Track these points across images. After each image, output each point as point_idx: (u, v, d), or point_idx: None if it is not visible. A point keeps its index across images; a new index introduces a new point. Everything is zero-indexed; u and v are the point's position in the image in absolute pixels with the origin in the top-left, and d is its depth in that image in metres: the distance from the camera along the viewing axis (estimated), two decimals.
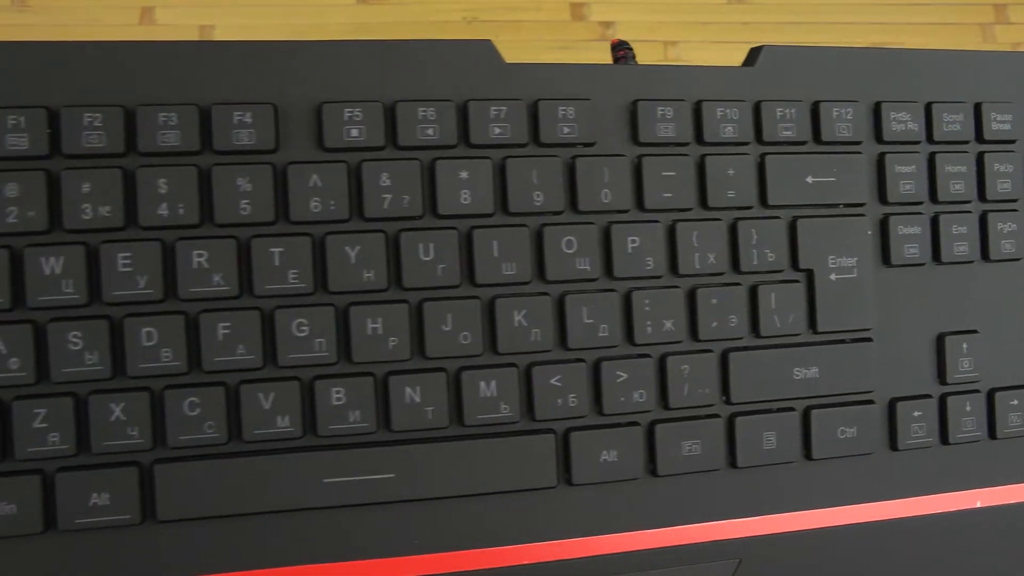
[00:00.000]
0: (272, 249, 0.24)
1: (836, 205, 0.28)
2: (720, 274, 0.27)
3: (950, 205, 0.29)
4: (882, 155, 0.28)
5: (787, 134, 0.27)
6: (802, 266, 0.27)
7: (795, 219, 0.27)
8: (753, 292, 0.27)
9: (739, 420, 0.26)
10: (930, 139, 0.29)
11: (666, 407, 0.26)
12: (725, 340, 0.27)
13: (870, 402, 0.28)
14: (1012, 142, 0.30)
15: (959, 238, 0.29)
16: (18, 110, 0.23)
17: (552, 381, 0.25)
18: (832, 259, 0.28)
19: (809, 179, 0.28)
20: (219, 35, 0.38)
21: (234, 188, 0.24)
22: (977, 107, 0.29)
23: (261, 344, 0.24)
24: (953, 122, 0.29)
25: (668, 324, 0.26)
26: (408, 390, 0.24)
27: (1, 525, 0.23)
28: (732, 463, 0.27)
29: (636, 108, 0.26)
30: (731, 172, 0.27)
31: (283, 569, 0.24)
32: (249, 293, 0.24)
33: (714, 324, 0.26)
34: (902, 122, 0.29)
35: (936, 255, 0.29)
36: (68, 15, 0.38)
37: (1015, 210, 0.29)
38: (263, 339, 0.24)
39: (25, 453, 0.23)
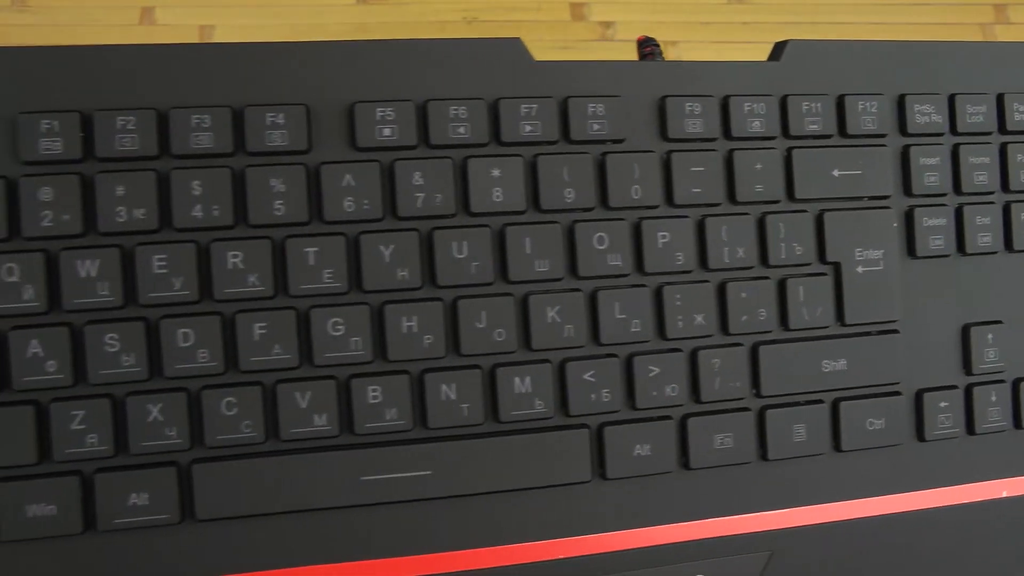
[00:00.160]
0: (307, 249, 0.24)
1: (862, 198, 0.28)
2: (749, 268, 0.27)
3: (974, 196, 0.29)
4: (906, 147, 0.29)
5: (813, 128, 0.28)
6: (829, 259, 0.28)
7: (822, 212, 0.28)
8: (782, 285, 0.27)
9: (769, 413, 0.27)
10: (953, 131, 0.29)
11: (698, 401, 0.26)
12: (755, 334, 0.27)
13: (897, 393, 0.28)
14: None
15: (983, 229, 0.29)
16: (51, 115, 0.23)
17: (585, 376, 0.25)
18: (859, 251, 0.28)
19: (835, 172, 0.28)
20: (219, 35, 0.38)
21: (268, 189, 0.24)
22: (1000, 98, 0.29)
23: (297, 344, 0.24)
24: (976, 113, 0.29)
25: (699, 318, 0.26)
26: (443, 387, 0.24)
27: (41, 526, 0.23)
28: (763, 456, 0.27)
29: (664, 104, 0.26)
30: (759, 166, 0.27)
31: (322, 566, 0.24)
32: (284, 293, 0.24)
33: (744, 318, 0.27)
34: (926, 114, 0.29)
35: (960, 246, 0.29)
36: (67, 15, 0.38)
37: None
38: (299, 339, 0.24)
39: (63, 455, 0.23)
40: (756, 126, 0.27)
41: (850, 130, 0.28)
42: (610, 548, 0.26)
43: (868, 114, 0.28)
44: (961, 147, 0.29)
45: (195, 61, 0.24)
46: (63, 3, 0.38)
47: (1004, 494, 0.29)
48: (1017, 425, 0.29)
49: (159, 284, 0.24)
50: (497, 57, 0.25)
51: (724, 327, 0.26)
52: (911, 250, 0.28)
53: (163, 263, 0.24)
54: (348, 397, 0.24)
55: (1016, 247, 0.29)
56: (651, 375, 0.26)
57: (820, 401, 0.27)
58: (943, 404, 0.28)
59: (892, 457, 0.28)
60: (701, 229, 0.26)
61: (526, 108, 0.25)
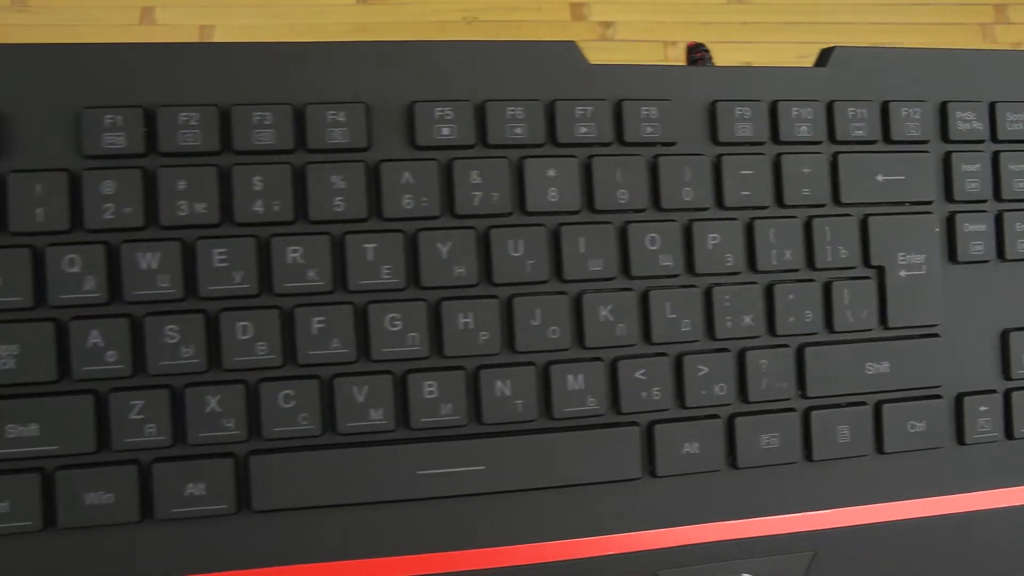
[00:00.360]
0: (366, 245, 0.24)
1: (904, 203, 0.29)
2: (796, 270, 0.27)
3: (1013, 203, 0.30)
4: (948, 154, 0.29)
5: (859, 133, 0.28)
6: (873, 263, 0.28)
7: (866, 216, 0.28)
8: (827, 288, 0.27)
9: (815, 414, 0.27)
10: (994, 138, 0.29)
11: (745, 400, 0.26)
12: (801, 335, 0.27)
13: (938, 397, 0.28)
14: None
15: (1022, 236, 0.29)
16: (115, 110, 0.24)
17: (637, 375, 0.25)
18: (902, 256, 0.28)
19: (879, 177, 0.28)
20: (219, 35, 0.38)
21: (328, 185, 0.24)
22: None
23: (355, 338, 0.24)
24: (1016, 121, 0.30)
25: (747, 319, 0.26)
26: (498, 383, 0.25)
27: (99, 514, 0.23)
28: (808, 456, 0.27)
29: (715, 108, 0.27)
30: (806, 170, 0.27)
31: (376, 560, 0.24)
32: (343, 288, 0.24)
33: (791, 319, 0.27)
34: (967, 121, 0.29)
35: (1000, 252, 0.29)
36: (68, 15, 0.38)
37: None
38: (357, 333, 0.24)
39: (122, 444, 0.24)
40: (803, 131, 0.27)
41: (894, 136, 0.28)
42: (659, 545, 0.26)
43: (911, 120, 0.28)
44: (1001, 154, 0.29)
45: (258, 60, 0.25)
46: (63, 3, 0.38)
47: None
48: None
49: (219, 277, 0.24)
50: (553, 59, 0.26)
51: (771, 328, 0.27)
52: (952, 255, 0.29)
53: (224, 257, 0.24)
54: (404, 392, 0.24)
55: None
56: (700, 374, 0.26)
57: (863, 403, 0.28)
58: (982, 408, 0.29)
59: (933, 460, 0.28)
60: (750, 231, 0.27)
61: (581, 110, 0.26)
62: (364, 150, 0.25)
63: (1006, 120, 0.29)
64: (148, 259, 0.24)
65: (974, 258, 0.29)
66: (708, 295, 0.26)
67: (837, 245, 0.27)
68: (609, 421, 0.26)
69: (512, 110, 0.25)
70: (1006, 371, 0.29)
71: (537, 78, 0.26)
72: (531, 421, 0.25)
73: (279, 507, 0.24)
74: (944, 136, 0.29)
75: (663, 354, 0.26)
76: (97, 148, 0.24)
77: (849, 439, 0.27)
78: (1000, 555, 0.29)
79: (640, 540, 0.26)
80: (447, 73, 0.25)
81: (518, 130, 0.25)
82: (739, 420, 0.26)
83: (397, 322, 0.24)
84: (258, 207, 0.24)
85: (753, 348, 0.27)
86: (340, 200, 0.24)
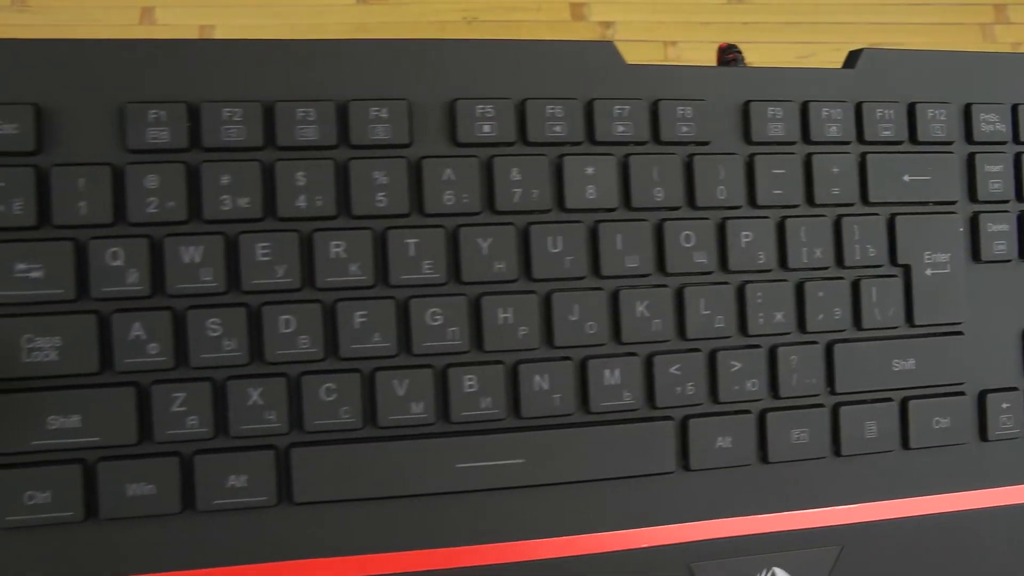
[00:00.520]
0: (407, 240, 0.25)
1: (929, 203, 0.29)
2: (825, 268, 0.28)
3: None
4: (972, 155, 0.29)
5: (886, 134, 0.28)
6: (900, 261, 0.28)
7: (893, 216, 0.28)
8: (855, 286, 0.28)
9: (843, 410, 0.27)
10: (1016, 139, 0.30)
11: (776, 396, 0.27)
12: (830, 332, 0.28)
13: (961, 393, 0.29)
14: None
15: None
16: (159, 105, 0.24)
17: (672, 370, 0.26)
18: (928, 255, 0.29)
19: (906, 177, 0.29)
20: (219, 35, 0.39)
21: (370, 181, 0.25)
22: None
23: (396, 332, 0.24)
24: None
25: (778, 316, 0.27)
26: (537, 378, 0.25)
27: (140, 505, 0.24)
28: (836, 451, 0.27)
29: (748, 108, 0.27)
30: (835, 170, 0.28)
31: (416, 552, 0.25)
32: (384, 283, 0.25)
33: (820, 316, 0.27)
34: (991, 123, 0.30)
35: (1022, 252, 0.30)
36: (68, 15, 0.38)
37: None
38: (398, 327, 0.25)
39: (164, 436, 0.24)
40: (833, 131, 0.28)
41: (920, 137, 0.29)
42: (691, 538, 0.26)
43: (937, 122, 0.29)
44: (1023, 156, 0.30)
45: (302, 57, 0.25)
46: (63, 3, 0.38)
47: None
48: None
49: (262, 271, 0.24)
50: (592, 59, 0.26)
51: (801, 325, 0.27)
52: (975, 254, 0.29)
53: (266, 251, 0.24)
54: (444, 385, 0.25)
55: None
56: (733, 370, 0.26)
57: (890, 399, 0.28)
58: (1004, 405, 0.29)
59: (957, 455, 0.29)
60: (781, 229, 0.27)
61: (619, 109, 0.26)
62: (406, 146, 0.25)
63: None
64: (191, 253, 0.24)
65: (997, 257, 0.29)
66: (741, 292, 0.27)
67: (865, 244, 0.28)
68: (644, 415, 0.26)
69: (551, 108, 0.25)
70: None
71: (576, 77, 0.26)
72: (568, 415, 0.25)
73: (319, 499, 0.24)
74: (968, 137, 0.30)
75: (697, 350, 0.26)
76: (140, 143, 0.24)
77: (876, 434, 0.28)
78: (1022, 550, 0.29)
79: (673, 533, 0.26)
80: (488, 72, 0.26)
81: (557, 128, 0.25)
82: (770, 415, 0.27)
83: (438, 316, 0.25)
84: (301, 202, 0.24)
85: (784, 344, 0.27)
86: (382, 196, 0.25)
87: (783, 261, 0.27)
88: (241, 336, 0.24)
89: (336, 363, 0.24)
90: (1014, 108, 0.30)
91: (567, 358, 0.25)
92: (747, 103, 0.27)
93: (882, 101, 0.28)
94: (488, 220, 0.25)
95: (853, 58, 0.29)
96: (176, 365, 0.24)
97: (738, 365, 0.26)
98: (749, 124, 0.27)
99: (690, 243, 0.26)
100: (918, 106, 0.29)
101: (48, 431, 0.23)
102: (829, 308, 0.27)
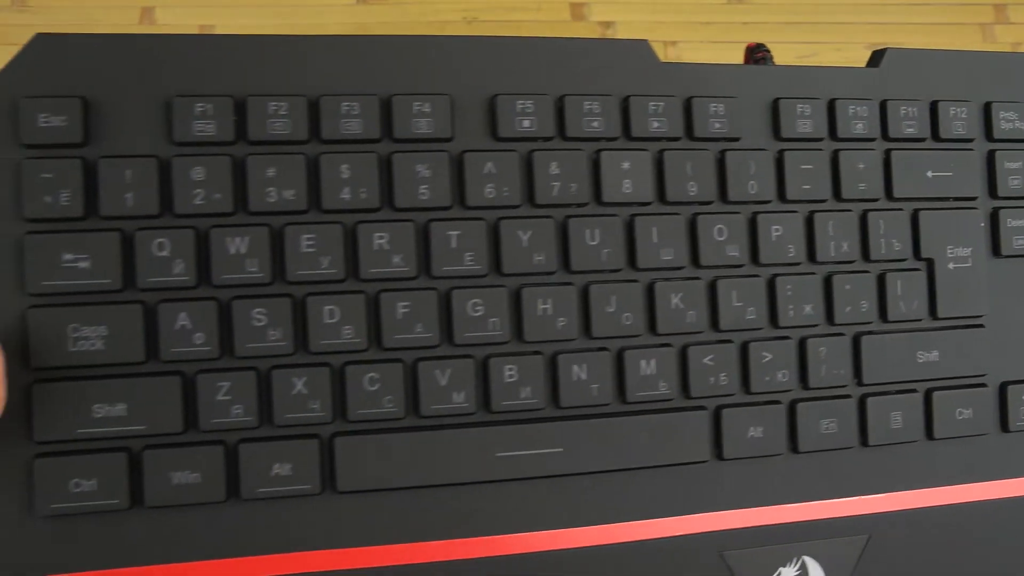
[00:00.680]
0: (449, 232, 0.25)
1: (951, 198, 0.30)
2: (852, 261, 0.28)
3: None
4: (992, 152, 0.30)
5: (910, 131, 0.29)
6: (923, 255, 0.29)
7: (916, 211, 0.29)
8: (881, 279, 0.28)
9: (870, 400, 0.28)
10: None
11: (805, 387, 0.27)
12: (857, 324, 0.28)
13: (983, 385, 0.29)
14: None
15: None
16: (205, 98, 0.24)
17: (705, 360, 0.26)
18: (950, 249, 0.29)
19: (929, 173, 0.29)
20: None
21: (413, 174, 0.25)
22: None
23: (438, 323, 0.25)
24: None
25: (807, 308, 0.27)
26: (575, 368, 0.25)
27: (185, 493, 0.24)
28: (863, 442, 0.28)
29: (777, 106, 0.28)
30: (861, 166, 0.28)
31: (459, 541, 0.25)
32: (427, 274, 0.25)
33: (847, 309, 0.28)
34: (1010, 121, 0.30)
35: None
36: (68, 15, 0.38)
37: None
38: (440, 318, 0.25)
39: (209, 424, 0.24)
40: (859, 128, 0.29)
41: (942, 134, 0.29)
42: (724, 527, 0.27)
43: (958, 119, 0.30)
44: None
45: (346, 52, 0.25)
46: (63, 3, 0.38)
47: None
48: None
49: (307, 262, 0.25)
50: (627, 57, 0.27)
51: (830, 317, 0.28)
52: (996, 249, 0.30)
53: (311, 242, 0.25)
54: (485, 375, 0.25)
55: None
56: (764, 361, 0.27)
57: (914, 390, 0.29)
58: None
59: (979, 446, 0.29)
60: (810, 224, 0.28)
61: (653, 105, 0.26)
62: (448, 140, 0.25)
63: None
64: (237, 244, 0.24)
65: (1017, 252, 0.30)
66: (771, 284, 0.27)
67: (891, 238, 0.29)
68: (679, 405, 0.26)
69: (589, 104, 0.26)
70: None
71: (612, 75, 0.27)
72: (606, 405, 0.26)
73: (363, 488, 0.25)
74: (988, 135, 0.30)
75: (729, 341, 0.27)
76: (187, 135, 0.24)
77: (901, 425, 0.28)
78: None
79: (706, 522, 0.27)
80: (527, 68, 0.26)
81: (595, 123, 0.26)
82: (800, 406, 0.27)
83: (479, 307, 0.25)
84: (345, 194, 0.25)
85: (813, 336, 0.28)
86: (425, 188, 0.25)
87: (812, 255, 0.28)
88: (286, 326, 0.24)
89: (379, 353, 0.25)
90: None
91: (604, 348, 0.26)
92: (776, 100, 0.28)
93: (906, 99, 0.29)
94: (528, 213, 0.26)
95: (877, 57, 0.30)
96: (221, 355, 0.24)
97: (769, 356, 0.27)
98: (778, 121, 0.28)
99: (722, 236, 0.27)
100: (940, 104, 0.30)
101: (94, 419, 0.24)
102: (856, 301, 0.28)
